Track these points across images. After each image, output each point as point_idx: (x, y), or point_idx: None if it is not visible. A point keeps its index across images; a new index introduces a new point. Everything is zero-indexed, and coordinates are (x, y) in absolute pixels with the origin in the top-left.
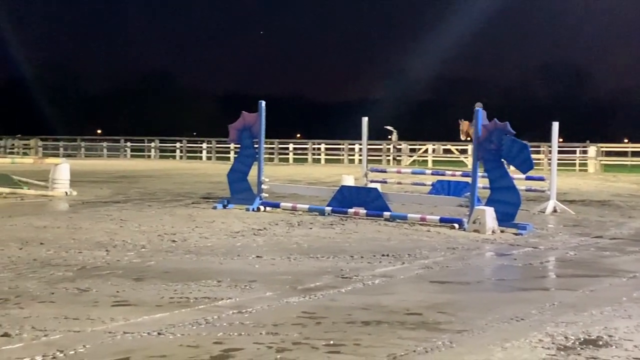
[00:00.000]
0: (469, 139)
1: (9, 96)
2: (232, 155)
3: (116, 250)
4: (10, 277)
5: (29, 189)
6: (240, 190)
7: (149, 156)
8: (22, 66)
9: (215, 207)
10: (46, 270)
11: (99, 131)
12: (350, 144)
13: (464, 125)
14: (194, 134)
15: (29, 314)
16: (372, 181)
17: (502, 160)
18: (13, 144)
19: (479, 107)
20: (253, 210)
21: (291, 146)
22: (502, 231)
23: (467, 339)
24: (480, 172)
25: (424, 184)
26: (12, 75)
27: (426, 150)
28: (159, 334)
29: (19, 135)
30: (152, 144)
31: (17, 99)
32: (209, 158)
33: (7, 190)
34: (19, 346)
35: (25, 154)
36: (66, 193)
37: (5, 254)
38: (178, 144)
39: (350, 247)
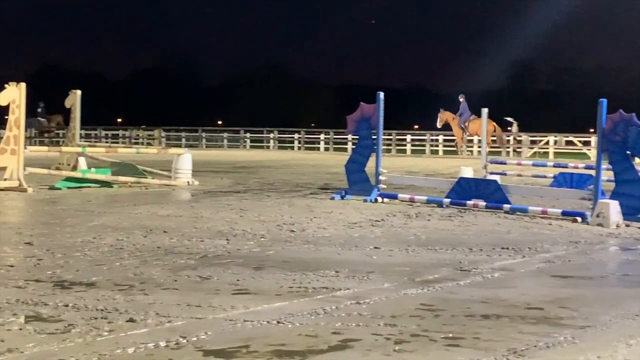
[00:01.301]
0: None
1: (134, 88)
2: (349, 146)
3: (236, 240)
4: (135, 264)
5: (152, 178)
6: (358, 181)
7: (268, 147)
8: (146, 58)
9: (333, 198)
10: (169, 258)
11: (219, 122)
12: (469, 136)
13: (445, 115)
14: (312, 125)
15: (153, 300)
16: (491, 173)
17: (628, 152)
18: (138, 135)
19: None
20: (371, 201)
21: (409, 137)
22: (627, 225)
23: (590, 335)
24: (604, 165)
25: (545, 176)
26: (136, 67)
27: (547, 142)
28: (278, 322)
29: (143, 126)
30: (271, 135)
31: (142, 90)
32: (326, 149)
33: (132, 179)
34: (144, 331)
35: (149, 144)
36: (188, 183)
37: (131, 242)
38: (296, 135)
39: (469, 239)
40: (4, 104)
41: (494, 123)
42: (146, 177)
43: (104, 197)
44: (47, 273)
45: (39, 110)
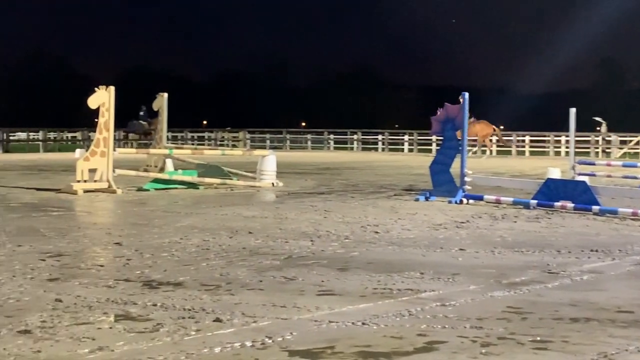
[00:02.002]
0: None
1: (219, 90)
2: (434, 147)
3: (321, 241)
4: (221, 265)
5: (238, 179)
6: (442, 182)
7: (352, 148)
8: (232, 60)
9: (417, 199)
10: (255, 259)
11: (303, 123)
12: (556, 136)
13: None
14: (396, 126)
15: (239, 301)
16: (579, 174)
17: None
18: (223, 137)
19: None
20: (456, 202)
21: (494, 138)
22: None
23: None
24: None
25: (636, 177)
26: (221, 70)
27: (638, 142)
28: (363, 323)
29: (229, 128)
30: (355, 136)
31: (227, 92)
32: (410, 150)
33: (218, 181)
34: (230, 331)
35: (234, 146)
36: (273, 184)
37: (217, 242)
38: (380, 136)
39: (557, 241)
40: (93, 107)
41: (493, 126)
42: (231, 179)
43: (191, 198)
44: (135, 273)
45: (141, 113)
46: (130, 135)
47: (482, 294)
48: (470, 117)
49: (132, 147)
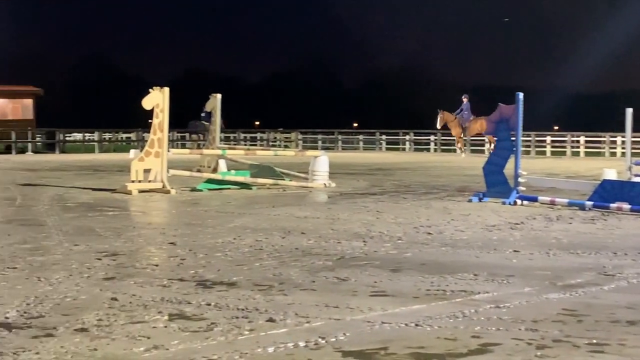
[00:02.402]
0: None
1: (272, 90)
2: (486, 148)
3: (373, 241)
4: (274, 265)
5: (290, 180)
6: (496, 183)
7: (404, 149)
8: (284, 61)
9: (470, 200)
10: (307, 259)
11: (355, 124)
12: (612, 137)
13: (445, 115)
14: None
15: (292, 301)
16: (636, 175)
17: None
18: (275, 137)
19: (465, 98)
20: (509, 203)
21: (548, 139)
22: None
23: None
24: None
25: None
26: (274, 70)
27: None
28: (416, 325)
29: (281, 129)
30: (407, 137)
31: (279, 93)
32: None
33: (270, 181)
34: (283, 331)
35: (286, 146)
36: (325, 185)
37: (270, 243)
38: (432, 137)
39: (613, 243)
40: (148, 108)
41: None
42: (284, 179)
43: (243, 198)
44: (189, 272)
45: (203, 114)
46: (194, 136)
47: (537, 296)
48: (470, 116)
49: (197, 147)
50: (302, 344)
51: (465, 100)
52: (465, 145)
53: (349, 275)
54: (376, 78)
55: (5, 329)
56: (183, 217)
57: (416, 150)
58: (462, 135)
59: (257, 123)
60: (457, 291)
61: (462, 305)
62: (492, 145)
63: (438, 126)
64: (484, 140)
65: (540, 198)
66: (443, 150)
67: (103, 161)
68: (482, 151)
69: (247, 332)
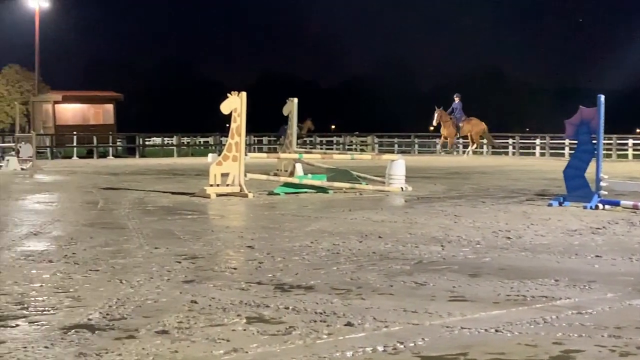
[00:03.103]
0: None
1: (348, 94)
2: (567, 151)
3: (451, 246)
4: (351, 269)
5: (367, 184)
6: (577, 187)
7: (481, 152)
8: (359, 65)
9: (550, 205)
10: (384, 263)
11: (431, 128)
12: (462, 136)
13: (441, 113)
14: (527, 129)
15: (369, 305)
16: None
17: None
18: (351, 141)
19: (457, 98)
20: (591, 208)
21: (630, 142)
22: None
23: None
24: None
25: None
26: (349, 74)
27: None
28: (496, 331)
29: (357, 133)
30: (484, 140)
31: (355, 97)
32: (542, 154)
33: (347, 185)
34: (362, 335)
35: (362, 150)
36: (402, 188)
37: (347, 247)
38: (510, 140)
39: None
40: (226, 112)
41: (483, 123)
42: (360, 183)
43: (320, 202)
44: (267, 276)
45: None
46: (281, 139)
47: (620, 302)
48: (462, 116)
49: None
50: (380, 348)
51: (457, 99)
52: (457, 147)
53: (427, 280)
54: (453, 81)
55: (88, 330)
56: (260, 221)
57: (494, 153)
58: (455, 136)
59: (333, 127)
60: (537, 297)
61: (543, 311)
62: (475, 145)
63: (434, 123)
64: (563, 143)
65: (623, 202)
66: (522, 154)
67: (181, 165)
68: (562, 154)
69: (325, 336)
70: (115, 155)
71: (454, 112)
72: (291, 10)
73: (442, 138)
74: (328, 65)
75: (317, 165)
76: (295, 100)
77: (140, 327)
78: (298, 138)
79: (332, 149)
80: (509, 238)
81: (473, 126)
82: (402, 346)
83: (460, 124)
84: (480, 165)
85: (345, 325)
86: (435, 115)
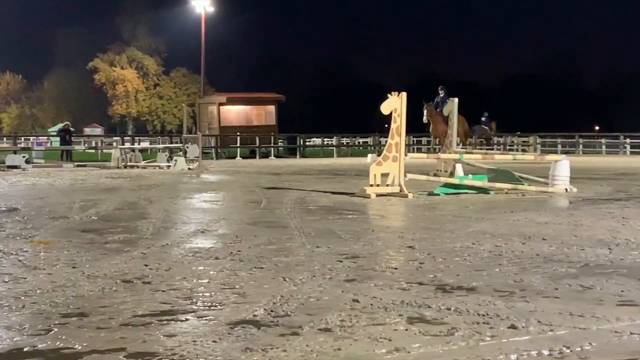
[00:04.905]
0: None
1: (509, 93)
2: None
3: (619, 249)
4: (514, 271)
5: (529, 185)
6: None
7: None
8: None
9: None
10: (549, 266)
11: (596, 127)
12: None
13: (430, 109)
14: None
15: (534, 308)
16: None
17: None
18: (512, 141)
19: (442, 91)
20: None
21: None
22: None
23: None
24: None
25: None
26: (510, 73)
27: None
28: None
29: (518, 133)
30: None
31: (515, 96)
32: None
33: (508, 186)
34: (526, 339)
35: (524, 150)
36: (566, 189)
37: (509, 248)
38: None
39: None
40: (386, 113)
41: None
42: (522, 184)
43: (481, 203)
44: (428, 276)
45: (483, 118)
46: (472, 139)
47: None
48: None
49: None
50: (545, 352)
51: (442, 93)
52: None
53: (594, 284)
54: (622, 79)
55: (254, 326)
56: (421, 221)
57: None
58: (445, 135)
59: (481, 126)
60: None
61: None
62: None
63: (424, 120)
64: None
65: None
66: None
67: (341, 165)
68: None
69: (488, 338)
70: (277, 156)
71: (439, 107)
72: (450, 10)
73: (433, 138)
74: (489, 64)
75: (478, 166)
76: (456, 100)
77: (304, 324)
78: (487, 139)
79: (492, 149)
80: None
81: (463, 124)
82: (568, 350)
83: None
84: None
85: (509, 327)
86: (425, 111)
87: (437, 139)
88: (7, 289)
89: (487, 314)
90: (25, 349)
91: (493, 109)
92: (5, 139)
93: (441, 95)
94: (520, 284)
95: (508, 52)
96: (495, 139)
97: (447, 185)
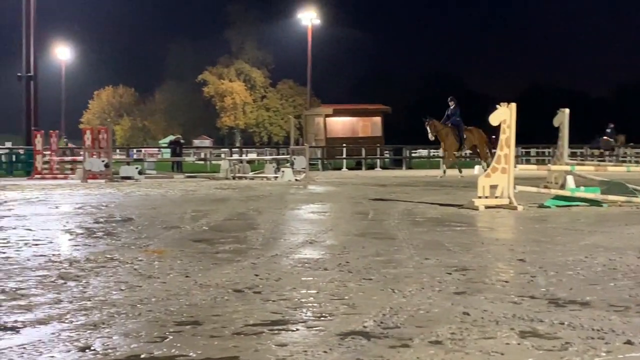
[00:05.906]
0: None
1: (620, 103)
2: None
3: None
4: (630, 285)
5: None
6: None
7: None
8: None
9: None
10: None
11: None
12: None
13: (435, 124)
14: None
15: None
16: None
17: None
18: (625, 152)
19: (452, 102)
20: None
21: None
22: None
23: None
24: None
25: None
26: (621, 82)
27: None
28: None
29: (632, 144)
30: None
31: (628, 105)
32: None
33: (622, 198)
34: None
35: (637, 162)
36: None
37: (624, 262)
38: None
39: None
40: (495, 124)
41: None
42: (637, 197)
43: (594, 216)
44: (540, 290)
45: (608, 130)
46: (595, 150)
47: None
48: (461, 125)
49: (598, 162)
50: None
51: (452, 104)
52: (455, 159)
53: None
54: None
55: (364, 337)
56: (531, 234)
57: None
58: (460, 149)
59: (605, 138)
60: None
61: None
62: (484, 159)
63: (431, 138)
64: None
65: None
66: None
67: (448, 177)
68: None
69: (604, 354)
70: (383, 167)
71: (450, 119)
72: (556, 20)
73: (444, 154)
74: (599, 74)
75: (589, 178)
76: (567, 110)
77: (414, 336)
78: (612, 150)
79: (603, 160)
80: None
81: (479, 136)
82: None
83: (464, 135)
84: None
85: (625, 343)
86: (428, 128)
87: (446, 152)
88: (124, 296)
89: (602, 329)
90: (142, 356)
91: (604, 119)
92: (118, 150)
93: (451, 107)
94: (636, 298)
95: (617, 61)
96: (607, 152)
97: (558, 197)
